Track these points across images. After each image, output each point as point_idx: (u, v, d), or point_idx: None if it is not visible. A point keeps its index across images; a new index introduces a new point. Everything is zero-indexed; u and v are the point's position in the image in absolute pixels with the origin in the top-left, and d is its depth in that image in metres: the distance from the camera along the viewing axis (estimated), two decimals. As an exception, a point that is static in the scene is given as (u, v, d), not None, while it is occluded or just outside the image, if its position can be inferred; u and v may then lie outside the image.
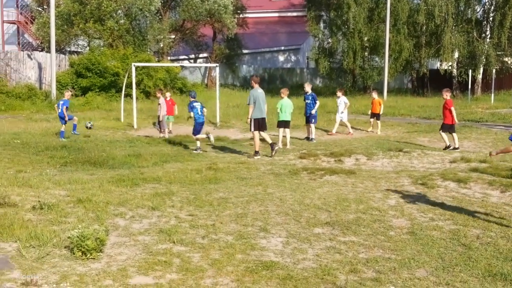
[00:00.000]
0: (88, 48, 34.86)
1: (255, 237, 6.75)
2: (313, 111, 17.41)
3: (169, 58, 39.57)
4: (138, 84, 26.87)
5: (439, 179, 10.24)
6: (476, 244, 6.55)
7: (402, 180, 10.42)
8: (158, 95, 18.78)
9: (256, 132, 13.74)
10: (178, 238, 6.58)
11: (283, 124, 15.73)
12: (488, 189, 9.50)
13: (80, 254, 5.84)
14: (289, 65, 51.35)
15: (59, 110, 16.89)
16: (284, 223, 7.41)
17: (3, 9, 45.28)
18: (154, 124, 20.74)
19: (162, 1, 35.91)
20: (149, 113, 23.34)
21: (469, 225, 7.32)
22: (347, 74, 40.35)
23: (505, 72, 37.81)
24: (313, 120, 17.38)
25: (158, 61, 34.74)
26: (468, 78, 34.63)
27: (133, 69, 21.16)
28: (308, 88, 17.88)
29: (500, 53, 37.58)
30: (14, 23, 45.90)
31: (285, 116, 15.66)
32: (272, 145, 13.79)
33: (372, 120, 20.15)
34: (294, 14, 52.88)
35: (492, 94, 32.92)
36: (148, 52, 34.91)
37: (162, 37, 35.94)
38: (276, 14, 54.66)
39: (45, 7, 36.66)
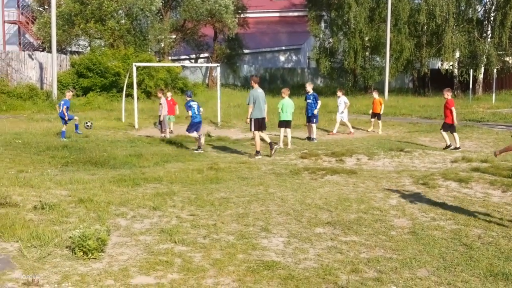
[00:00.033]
0: (89, 48, 34.87)
1: (256, 237, 6.75)
2: (316, 111, 17.43)
3: (170, 58, 39.57)
4: (139, 84, 26.87)
5: (440, 179, 10.23)
6: (478, 244, 6.55)
7: (403, 180, 10.41)
8: (159, 95, 18.79)
9: (257, 132, 13.74)
10: (180, 238, 6.58)
11: (284, 124, 15.73)
12: (490, 189, 9.49)
13: (82, 254, 5.84)
14: (290, 65, 51.34)
15: (60, 110, 16.91)
16: (286, 223, 7.41)
17: (4, 9, 45.30)
18: (155, 124, 20.74)
19: (163, 1, 35.92)
20: (150, 113, 23.35)
21: (471, 225, 7.31)
22: (348, 74, 40.35)
23: (506, 71, 37.77)
24: (314, 120, 17.39)
25: (159, 61, 34.74)
26: (469, 78, 34.61)
27: (134, 69, 21.16)
28: (309, 88, 17.87)
29: (501, 52, 37.55)
30: (15, 23, 45.92)
31: (286, 116, 15.66)
32: (271, 144, 13.81)
33: (373, 120, 20.14)
34: (295, 14, 52.87)
35: (493, 94, 32.90)
36: (149, 52, 34.90)
37: (163, 37, 35.94)
38: (277, 14, 54.64)
39: (46, 7, 36.66)
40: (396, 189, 9.54)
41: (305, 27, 42.41)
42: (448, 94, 15.00)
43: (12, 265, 5.60)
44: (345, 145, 15.47)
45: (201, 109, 15.39)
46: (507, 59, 38.51)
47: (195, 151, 14.61)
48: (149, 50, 35.56)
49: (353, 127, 19.69)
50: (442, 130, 14.97)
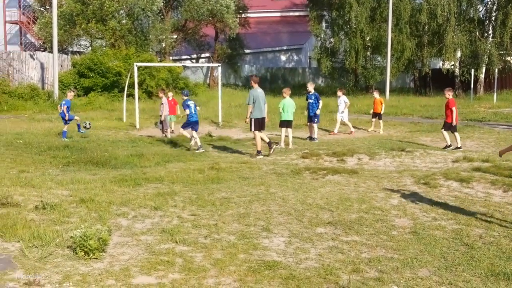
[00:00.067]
0: (90, 48, 34.88)
1: (257, 237, 6.75)
2: (318, 111, 17.46)
3: (171, 58, 39.57)
4: (140, 84, 26.87)
5: (441, 178, 10.23)
6: (479, 243, 6.54)
7: (405, 179, 10.41)
8: (161, 95, 18.80)
9: (257, 132, 13.74)
10: (181, 238, 6.58)
11: (285, 124, 15.74)
12: (491, 188, 9.49)
13: (83, 254, 5.84)
14: (291, 65, 51.35)
15: (60, 110, 16.93)
16: (287, 222, 7.41)
17: (6, 9, 45.33)
18: (156, 124, 20.75)
19: (164, 1, 35.92)
20: (151, 113, 23.36)
21: (472, 225, 7.31)
22: (349, 73, 40.32)
23: (508, 71, 37.71)
24: (315, 119, 17.39)
25: (160, 61, 34.74)
26: (471, 78, 34.56)
27: (135, 69, 21.18)
28: (311, 87, 17.87)
29: (502, 52, 37.49)
30: (16, 24, 45.96)
31: (287, 116, 15.67)
32: (269, 144, 13.82)
33: (374, 120, 20.13)
34: (296, 13, 52.88)
35: (495, 94, 32.86)
36: (150, 52, 34.90)
37: (164, 37, 35.94)
38: (278, 14, 54.65)
39: (47, 7, 36.68)
40: (397, 189, 9.54)
41: (306, 27, 42.40)
42: (449, 94, 14.99)
43: (14, 265, 5.60)
44: (346, 145, 15.47)
45: (198, 108, 15.58)
46: (508, 58, 38.45)
47: (197, 151, 14.62)
48: (150, 50, 35.57)
49: (354, 127, 19.68)
50: (443, 129, 14.96)
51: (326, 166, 12.16)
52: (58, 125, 18.77)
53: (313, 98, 17.50)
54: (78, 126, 17.40)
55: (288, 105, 15.68)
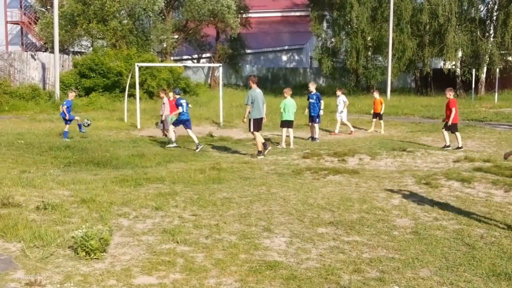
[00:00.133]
0: (91, 48, 34.90)
1: (258, 237, 6.75)
2: (321, 112, 17.51)
3: (172, 58, 39.59)
4: (141, 84, 26.87)
5: (442, 178, 10.22)
6: (480, 243, 6.54)
7: (406, 179, 10.40)
8: (162, 95, 18.81)
9: (257, 132, 13.75)
10: (182, 238, 6.58)
11: (287, 124, 15.74)
12: (492, 188, 9.48)
13: (84, 254, 5.84)
14: (292, 65, 51.35)
15: (61, 111, 16.97)
16: (288, 223, 7.41)
17: (7, 9, 45.38)
18: (156, 124, 20.75)
19: (165, 1, 35.92)
20: (153, 113, 23.36)
21: (473, 225, 7.31)
22: (350, 73, 40.32)
23: (509, 71, 37.71)
24: (317, 120, 17.40)
25: (161, 61, 34.75)
26: (472, 78, 34.54)
27: (137, 69, 21.18)
28: (312, 87, 17.89)
29: (503, 52, 37.49)
30: (17, 24, 46.02)
31: (289, 116, 15.67)
32: (264, 145, 13.84)
33: (374, 120, 20.12)
34: (297, 14, 52.87)
35: (496, 93, 32.85)
36: (152, 52, 34.91)
37: (165, 37, 35.95)
38: (279, 14, 54.65)
39: (48, 7, 36.70)
40: (399, 189, 9.53)
41: (307, 27, 42.40)
42: (450, 94, 14.98)
43: (15, 265, 5.61)
44: (347, 145, 15.47)
45: (189, 105, 16.06)
46: (509, 58, 38.45)
47: (196, 150, 14.65)
48: (152, 50, 35.58)
49: (355, 127, 19.68)
50: (444, 129, 14.95)
51: (327, 166, 12.15)
52: (59, 125, 18.78)
53: (314, 98, 17.51)
54: (79, 126, 17.40)
55: (289, 105, 15.69)
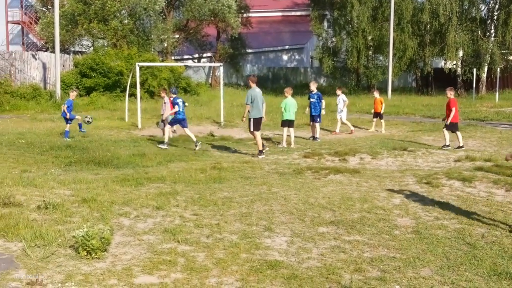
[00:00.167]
0: (92, 48, 34.91)
1: (259, 237, 6.75)
2: (323, 112, 17.52)
3: (173, 57, 39.58)
4: (142, 84, 26.87)
5: (443, 178, 10.22)
6: (481, 243, 6.54)
7: (407, 179, 10.40)
8: (163, 94, 18.78)
9: (257, 132, 13.76)
10: (183, 238, 6.59)
11: (287, 123, 15.74)
12: (493, 188, 9.48)
13: (85, 253, 5.85)
14: (293, 65, 51.34)
15: (62, 110, 17.00)
16: (289, 222, 7.41)
17: (8, 9, 45.39)
18: (157, 123, 20.74)
19: (166, 1, 35.91)
20: (153, 112, 23.36)
21: (474, 224, 7.30)
22: (351, 73, 40.32)
23: (510, 70, 37.70)
24: (318, 119, 17.40)
25: (162, 60, 34.75)
26: (473, 77, 34.53)
27: (137, 68, 21.18)
28: (313, 87, 17.89)
29: (504, 51, 37.48)
30: (18, 24, 46.02)
31: (289, 115, 15.67)
32: (262, 144, 13.89)
33: (375, 119, 20.11)
34: (298, 13, 52.84)
35: (497, 93, 32.83)
36: (152, 52, 34.91)
37: (166, 36, 35.93)
38: (280, 14, 54.63)
39: (49, 7, 36.72)
40: (400, 189, 9.53)
41: (308, 27, 42.39)
42: (450, 94, 14.97)
43: (16, 265, 5.61)
44: (348, 145, 15.47)
45: (186, 104, 16.21)
46: (510, 58, 38.43)
47: (159, 145, 14.80)
48: (152, 50, 35.57)
49: (356, 127, 19.66)
50: (444, 129, 14.93)
51: (328, 165, 12.15)
52: (60, 125, 18.78)
53: (315, 97, 17.52)
54: (80, 125, 17.41)
55: (290, 105, 15.69)
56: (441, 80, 36.25)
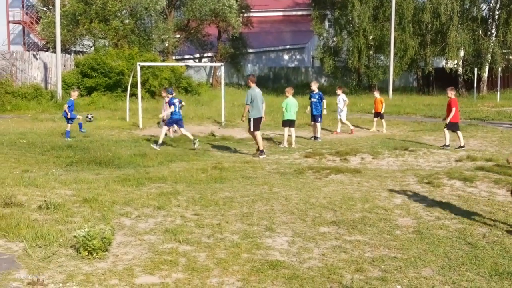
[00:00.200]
0: (93, 48, 34.93)
1: (260, 236, 6.75)
2: (325, 111, 17.51)
3: (174, 57, 39.60)
4: (143, 84, 26.89)
5: (445, 177, 10.22)
6: (483, 243, 6.53)
7: (408, 179, 10.40)
8: (164, 94, 18.80)
9: (258, 132, 13.76)
10: (184, 238, 6.59)
11: (288, 123, 15.73)
12: (494, 187, 9.47)
13: (86, 253, 5.85)
14: (294, 64, 51.34)
15: (63, 110, 17.02)
16: (290, 222, 7.41)
17: (9, 9, 45.43)
18: (158, 123, 20.74)
19: (167, 1, 35.92)
20: (154, 112, 23.34)
21: (475, 224, 7.30)
22: (352, 73, 40.32)
23: (511, 70, 37.65)
24: (319, 119, 17.40)
25: (163, 60, 34.77)
26: (474, 77, 34.52)
27: (138, 68, 21.18)
28: (314, 86, 17.89)
29: (506, 51, 37.44)
30: (19, 23, 46.05)
31: (290, 115, 15.67)
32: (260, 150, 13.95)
33: (375, 119, 20.10)
34: (299, 13, 52.83)
35: (498, 92, 32.80)
36: (153, 52, 34.93)
37: (167, 36, 35.96)
38: (281, 13, 54.64)
39: (50, 7, 36.73)
40: (401, 188, 9.53)
41: (309, 26, 42.39)
42: (451, 93, 14.95)
43: (17, 265, 5.61)
44: (349, 144, 15.46)
45: (183, 103, 16.30)
46: (511, 57, 38.40)
47: (153, 145, 14.82)
48: (153, 49, 35.59)
49: (357, 126, 19.65)
50: (445, 128, 14.91)
51: (329, 165, 12.15)
52: (61, 125, 18.80)
53: (316, 97, 17.51)
54: (80, 125, 17.39)
55: (291, 105, 15.69)
56: (442, 80, 36.22)
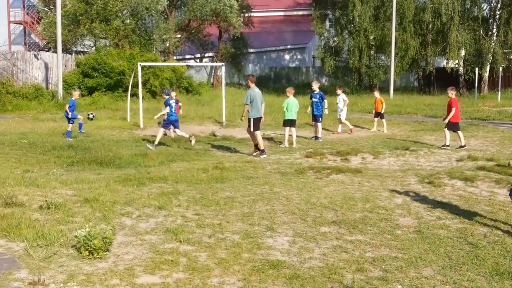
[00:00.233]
0: (94, 48, 34.96)
1: (261, 236, 6.75)
2: (326, 111, 17.51)
3: (175, 57, 39.62)
4: (144, 84, 26.91)
5: (446, 177, 10.21)
6: (483, 242, 6.53)
7: (409, 178, 10.39)
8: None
9: (258, 132, 13.76)
10: (185, 237, 6.59)
11: (289, 123, 15.74)
12: (495, 187, 9.46)
13: (87, 253, 5.85)
14: (295, 64, 51.34)
15: (65, 110, 17.02)
16: (291, 222, 7.41)
17: (10, 9, 45.48)
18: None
19: (168, 1, 35.94)
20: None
21: (476, 224, 7.30)
22: (353, 72, 40.32)
23: (512, 69, 37.69)
24: (320, 119, 17.40)
25: (164, 60, 34.78)
26: (475, 76, 34.51)
27: (139, 68, 21.19)
28: (315, 86, 17.90)
29: (506, 51, 37.42)
30: (20, 24, 46.10)
31: (291, 115, 15.67)
32: (256, 146, 13.92)
33: (376, 119, 20.09)
34: (300, 13, 52.86)
35: (499, 92, 32.79)
36: (154, 52, 34.96)
37: (168, 36, 35.99)
38: (282, 13, 54.66)
39: (51, 7, 36.77)
40: (402, 188, 9.52)
41: (310, 26, 42.41)
42: (452, 93, 14.94)
43: (18, 265, 5.62)
44: (350, 144, 15.45)
45: (180, 104, 16.14)
46: (512, 57, 38.43)
47: (148, 145, 14.78)
48: (154, 49, 35.62)
49: (358, 126, 19.63)
50: (446, 128, 14.90)
51: (330, 165, 12.14)
52: (62, 124, 18.81)
53: (317, 97, 17.51)
54: (80, 125, 17.38)
55: (292, 104, 15.69)
56: (443, 80, 36.21)
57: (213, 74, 42.28)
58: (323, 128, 18.42)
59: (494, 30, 37.76)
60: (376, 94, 20.42)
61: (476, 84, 34.40)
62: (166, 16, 36.77)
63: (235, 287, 5.22)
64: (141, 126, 20.11)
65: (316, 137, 17.25)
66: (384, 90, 33.69)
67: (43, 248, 6.08)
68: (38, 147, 14.40)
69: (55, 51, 29.64)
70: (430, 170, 11.42)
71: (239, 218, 7.54)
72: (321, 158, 13.20)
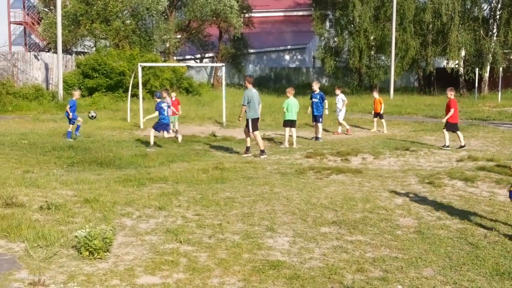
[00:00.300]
0: (94, 48, 34.97)
1: (262, 237, 6.75)
2: (326, 112, 17.51)
3: (175, 58, 39.63)
4: (144, 84, 26.91)
5: (446, 178, 10.21)
6: (484, 243, 6.53)
7: (409, 179, 10.39)
8: (164, 95, 18.76)
9: (257, 132, 13.76)
10: (185, 238, 6.59)
11: (289, 123, 15.74)
12: (496, 187, 9.46)
13: (87, 254, 5.86)
14: (295, 65, 51.35)
15: (65, 111, 16.99)
16: (291, 222, 7.41)
17: (10, 10, 45.49)
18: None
19: (168, 1, 35.95)
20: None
21: (476, 224, 7.30)
22: (353, 73, 40.32)
23: (512, 70, 37.68)
24: (320, 119, 17.40)
25: (164, 61, 34.79)
26: (475, 77, 34.51)
27: (140, 69, 21.19)
28: (316, 87, 17.90)
29: (507, 51, 37.41)
30: (21, 24, 46.13)
31: (291, 115, 15.67)
32: (247, 149, 14.00)
33: (375, 120, 20.10)
34: (300, 13, 52.88)
35: (499, 93, 32.78)
36: (154, 52, 34.96)
37: (168, 37, 35.99)
38: (282, 14, 54.68)
39: (51, 7, 36.78)
40: (402, 189, 9.53)
41: (310, 27, 42.41)
42: (451, 94, 14.93)
43: (18, 265, 5.62)
44: (351, 145, 15.45)
45: (170, 109, 15.84)
46: (512, 57, 38.41)
47: (147, 148, 14.70)
48: (154, 50, 35.62)
49: (358, 127, 19.62)
50: (444, 129, 14.89)
51: (330, 165, 12.15)
52: (62, 125, 18.81)
53: (318, 97, 17.51)
54: (78, 127, 17.21)
55: (292, 105, 15.69)
56: (443, 80, 36.19)
57: (213, 74, 42.28)
58: (323, 129, 18.42)
59: (494, 30, 37.75)
60: (375, 94, 20.42)
61: (476, 85, 34.40)
62: (166, 16, 36.77)
63: (235, 287, 5.22)
64: (141, 126, 20.11)
65: (317, 138, 17.25)
66: (384, 90, 33.70)
67: (44, 249, 6.09)
68: (39, 148, 14.40)
69: (55, 52, 29.65)
70: (430, 170, 11.43)
71: (239, 218, 7.54)
72: (321, 158, 13.20)
